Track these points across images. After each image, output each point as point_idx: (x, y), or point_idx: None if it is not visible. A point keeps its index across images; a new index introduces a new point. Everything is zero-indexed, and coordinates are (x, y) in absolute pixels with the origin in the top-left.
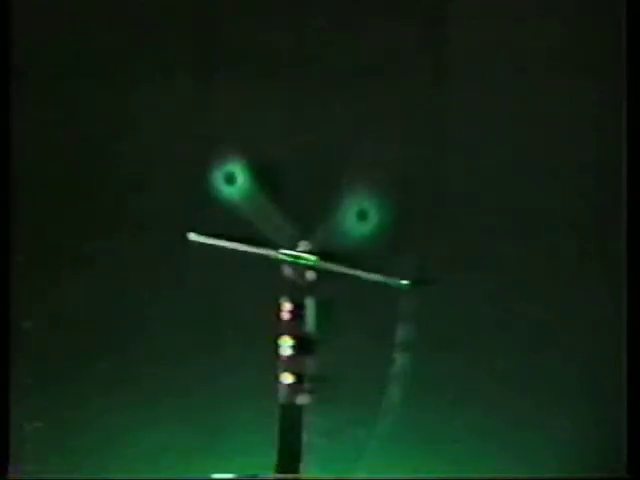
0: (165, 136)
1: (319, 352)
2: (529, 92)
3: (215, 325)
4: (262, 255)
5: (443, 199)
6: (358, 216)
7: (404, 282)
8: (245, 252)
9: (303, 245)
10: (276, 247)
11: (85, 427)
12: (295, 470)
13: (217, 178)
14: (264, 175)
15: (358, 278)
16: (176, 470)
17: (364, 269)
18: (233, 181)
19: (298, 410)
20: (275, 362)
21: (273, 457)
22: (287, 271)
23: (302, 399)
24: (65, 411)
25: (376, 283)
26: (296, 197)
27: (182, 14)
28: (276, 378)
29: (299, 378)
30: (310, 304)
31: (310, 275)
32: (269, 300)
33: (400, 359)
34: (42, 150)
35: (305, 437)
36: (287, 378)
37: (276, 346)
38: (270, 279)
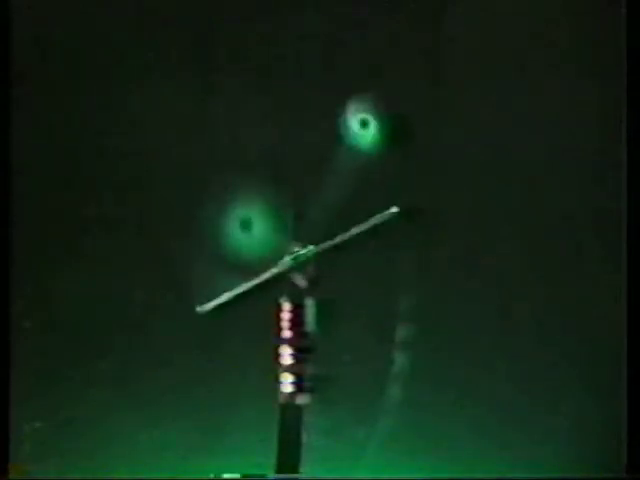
0: (165, 136)
1: (319, 352)
2: (529, 92)
3: (215, 325)
4: (262, 257)
5: (443, 199)
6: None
7: (394, 210)
8: (245, 253)
9: (303, 245)
10: (276, 248)
11: (85, 427)
12: (295, 470)
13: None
14: (264, 174)
15: (358, 276)
16: (176, 470)
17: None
18: (247, 228)
19: (298, 410)
20: (275, 362)
21: (273, 457)
22: (287, 271)
23: (302, 399)
24: (65, 411)
25: (375, 275)
26: (296, 196)
27: (182, 14)
28: (276, 378)
29: (299, 378)
30: (310, 304)
31: (310, 275)
32: (269, 300)
33: (400, 359)
34: (42, 150)
35: (305, 437)
36: (287, 378)
37: (276, 346)
38: (270, 279)
